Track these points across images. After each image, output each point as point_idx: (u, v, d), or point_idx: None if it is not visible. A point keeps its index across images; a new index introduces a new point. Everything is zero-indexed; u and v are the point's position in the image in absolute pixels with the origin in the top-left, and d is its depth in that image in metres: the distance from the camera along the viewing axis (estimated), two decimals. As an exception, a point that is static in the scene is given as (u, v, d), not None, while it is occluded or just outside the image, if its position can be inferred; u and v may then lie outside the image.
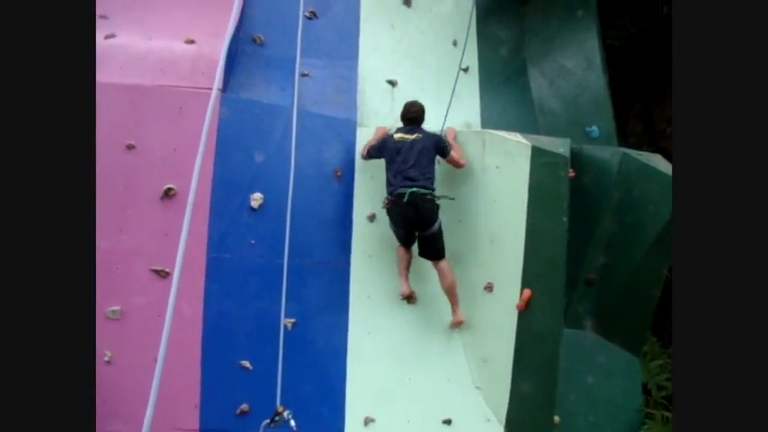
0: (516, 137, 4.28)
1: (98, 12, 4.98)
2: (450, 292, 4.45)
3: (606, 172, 4.62)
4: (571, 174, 4.27)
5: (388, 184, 4.34)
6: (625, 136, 6.34)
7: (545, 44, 5.72)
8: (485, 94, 5.43)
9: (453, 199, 4.51)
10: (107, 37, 4.76)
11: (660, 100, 6.76)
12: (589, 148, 4.76)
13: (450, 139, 4.62)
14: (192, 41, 4.73)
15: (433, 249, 4.43)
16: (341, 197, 4.60)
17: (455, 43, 5.57)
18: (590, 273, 4.68)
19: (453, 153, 4.47)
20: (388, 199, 4.34)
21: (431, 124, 4.69)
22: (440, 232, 4.40)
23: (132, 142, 4.24)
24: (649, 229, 4.46)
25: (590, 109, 5.35)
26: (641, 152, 4.81)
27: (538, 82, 5.57)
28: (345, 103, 4.84)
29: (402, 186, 4.24)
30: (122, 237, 4.14)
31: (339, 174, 4.59)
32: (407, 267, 4.51)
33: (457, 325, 4.54)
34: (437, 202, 4.36)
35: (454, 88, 4.90)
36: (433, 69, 5.34)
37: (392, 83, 5.17)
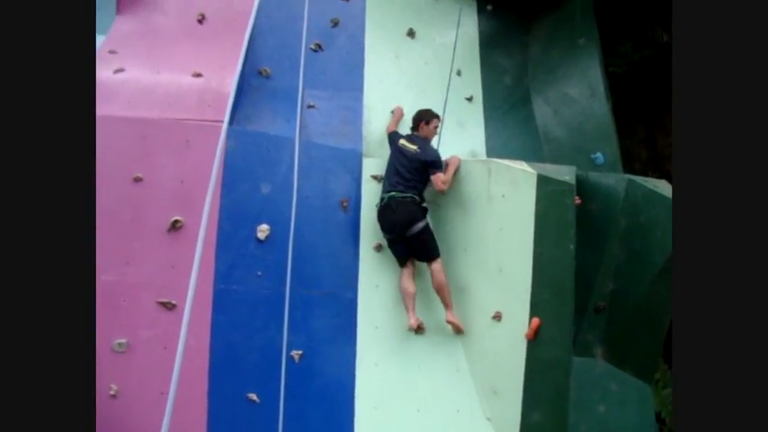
0: (521, 165, 4.29)
1: (107, 47, 5.08)
2: (439, 293, 4.53)
3: (612, 198, 4.61)
4: (577, 201, 4.27)
5: (385, 183, 4.63)
6: (630, 162, 6.35)
7: (548, 73, 5.77)
8: (489, 122, 5.47)
9: (439, 205, 4.73)
10: (116, 71, 4.83)
11: (663, 125, 6.79)
12: (595, 175, 4.76)
13: (451, 165, 4.68)
14: (199, 75, 4.80)
15: (423, 249, 4.54)
16: (347, 228, 4.60)
17: (459, 73, 5.63)
18: (599, 300, 4.64)
19: (439, 174, 4.54)
20: (378, 203, 4.59)
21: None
22: (425, 232, 4.52)
23: (140, 175, 4.26)
24: (657, 255, 4.43)
25: (594, 136, 5.38)
26: (647, 178, 4.81)
27: (542, 110, 5.61)
28: (351, 134, 4.87)
29: (384, 192, 4.53)
30: (129, 269, 4.14)
31: (345, 204, 4.60)
32: (413, 300, 4.49)
33: (452, 325, 4.57)
34: (423, 205, 4.57)
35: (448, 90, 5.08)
36: (437, 99, 5.36)
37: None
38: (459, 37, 5.52)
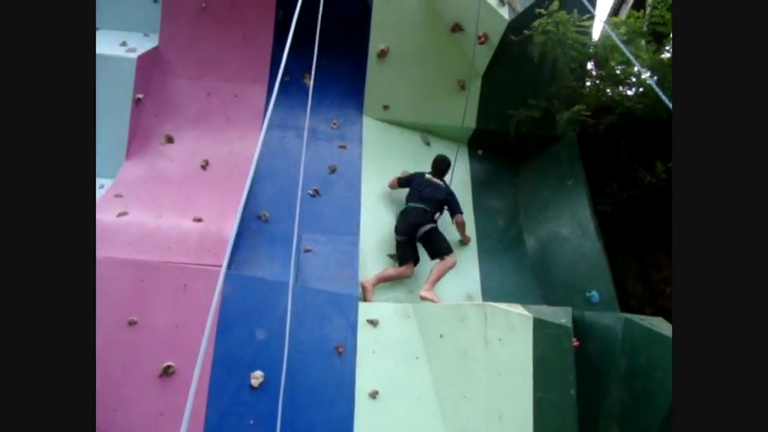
0: (518, 308, 4.30)
1: (114, 191, 5.29)
2: (436, 271, 5.17)
3: (610, 339, 4.57)
4: (575, 343, 4.24)
5: (407, 200, 5.52)
6: (625, 298, 6.35)
7: (539, 213, 5.95)
8: (484, 264, 5.56)
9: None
10: (119, 215, 4.99)
11: (656, 260, 6.86)
12: (591, 315, 4.75)
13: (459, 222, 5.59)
14: (199, 220, 4.95)
15: (434, 246, 5.33)
16: (343, 375, 4.49)
17: (453, 212, 5.80)
18: (604, 447, 4.46)
19: (461, 216, 5.58)
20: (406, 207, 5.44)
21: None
22: (435, 231, 5.38)
23: (135, 318, 4.26)
24: (662, 397, 4.30)
25: (588, 274, 5.43)
26: (644, 317, 4.79)
27: (535, 249, 5.72)
28: (347, 279, 4.92)
29: (414, 202, 5.44)
30: (116, 416, 4.01)
31: (341, 350, 4.54)
32: (384, 278, 5.21)
33: (425, 299, 5.01)
34: (435, 218, 5.47)
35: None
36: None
37: (393, 257, 5.32)
38: (452, 181, 5.77)
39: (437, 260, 5.29)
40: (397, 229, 5.41)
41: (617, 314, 4.83)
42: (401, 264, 5.35)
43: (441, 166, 5.80)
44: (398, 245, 5.39)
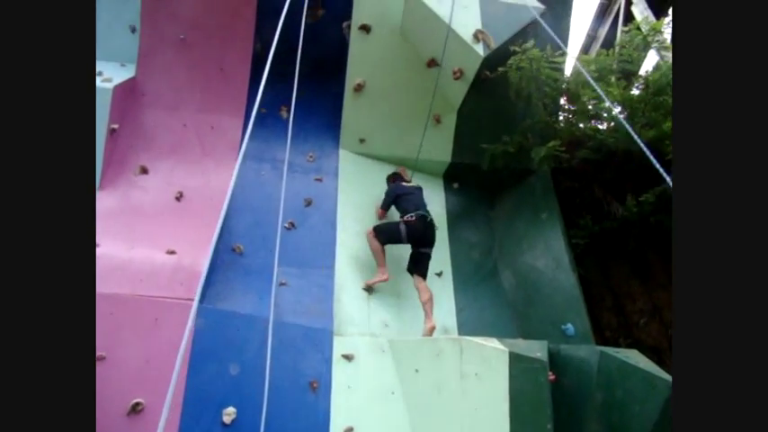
0: (493, 342, 4.29)
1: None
2: (428, 304, 5.19)
3: (586, 372, 4.56)
4: (551, 378, 4.22)
5: (405, 212, 5.61)
6: (600, 330, 6.39)
7: (514, 246, 5.99)
8: (459, 297, 5.55)
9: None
10: (90, 247, 4.88)
11: (630, 292, 6.93)
12: (567, 348, 4.75)
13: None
14: (172, 252, 4.86)
15: (425, 267, 5.46)
16: (317, 410, 4.41)
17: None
18: (583, 483, 4.41)
19: None
20: (412, 216, 5.51)
21: (408, 330, 4.69)
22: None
23: (103, 354, 4.14)
24: (638, 430, 4.30)
25: (563, 307, 5.46)
26: (618, 349, 4.81)
27: (510, 282, 5.74)
28: (322, 312, 4.87)
29: (423, 212, 5.57)
30: (80, 458, 3.87)
31: (315, 386, 4.46)
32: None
33: (430, 331, 5.00)
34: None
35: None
36: (407, 275, 5.50)
37: (368, 290, 5.27)
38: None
39: (421, 279, 5.36)
40: (411, 233, 5.48)
41: (592, 347, 4.84)
42: (415, 274, 5.45)
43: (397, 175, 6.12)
44: (420, 256, 5.52)
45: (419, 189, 5.94)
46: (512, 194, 6.56)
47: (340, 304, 5.04)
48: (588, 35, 13.30)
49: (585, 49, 12.58)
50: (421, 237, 5.50)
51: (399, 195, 5.83)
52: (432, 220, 5.60)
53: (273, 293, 3.72)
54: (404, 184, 6.00)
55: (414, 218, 5.52)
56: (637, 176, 6.07)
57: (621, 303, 7.07)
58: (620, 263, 6.83)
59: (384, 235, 5.50)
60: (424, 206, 5.70)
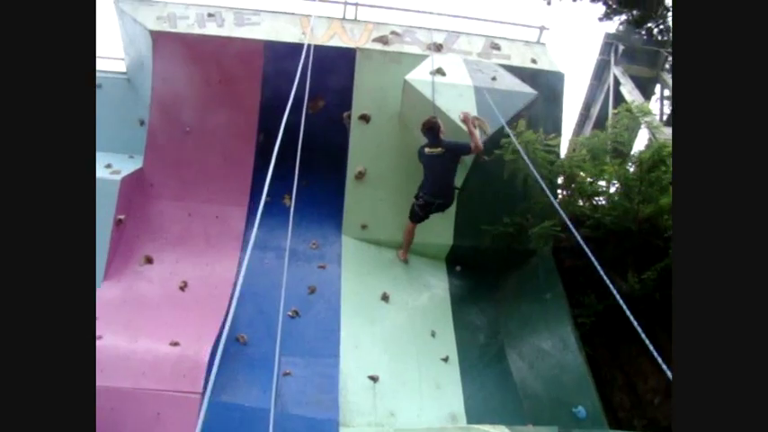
0: (502, 431, 4.18)
1: (88, 315, 5.17)
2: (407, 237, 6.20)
3: (601, 459, 4.43)
4: (563, 466, 4.10)
5: (420, 187, 5.96)
6: (613, 411, 6.20)
7: (520, 328, 5.94)
8: (467, 382, 5.44)
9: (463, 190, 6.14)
10: (94, 339, 4.86)
11: (641, 370, 6.78)
12: (579, 434, 4.64)
13: (470, 127, 5.66)
14: (176, 344, 4.84)
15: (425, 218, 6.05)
16: None
17: (433, 334, 5.76)
18: None
19: (472, 142, 5.63)
20: (421, 199, 5.90)
21: (414, 418, 4.58)
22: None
23: (103, 452, 4.05)
24: None
25: (573, 388, 5.34)
26: (633, 432, 4.68)
27: (517, 365, 5.64)
28: (327, 403, 4.77)
29: (430, 198, 5.83)
30: None
31: (321, 481, 4.33)
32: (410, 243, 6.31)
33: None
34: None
35: None
36: (413, 361, 5.42)
37: (373, 378, 5.18)
38: (431, 299, 5.79)
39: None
40: (421, 207, 5.91)
41: (605, 431, 4.71)
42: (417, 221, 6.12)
43: (428, 129, 5.80)
44: (423, 207, 5.93)
45: (440, 156, 5.76)
46: (515, 275, 6.56)
47: (345, 393, 4.93)
48: (581, 113, 13.77)
49: (580, 127, 12.97)
50: (430, 209, 5.90)
51: (424, 162, 5.94)
52: (440, 203, 5.86)
53: (275, 386, 3.67)
54: (426, 150, 5.85)
55: (422, 201, 5.89)
56: (638, 252, 6.10)
57: (633, 382, 6.91)
58: (628, 341, 6.72)
59: (411, 214, 6.09)
60: (439, 180, 5.82)
